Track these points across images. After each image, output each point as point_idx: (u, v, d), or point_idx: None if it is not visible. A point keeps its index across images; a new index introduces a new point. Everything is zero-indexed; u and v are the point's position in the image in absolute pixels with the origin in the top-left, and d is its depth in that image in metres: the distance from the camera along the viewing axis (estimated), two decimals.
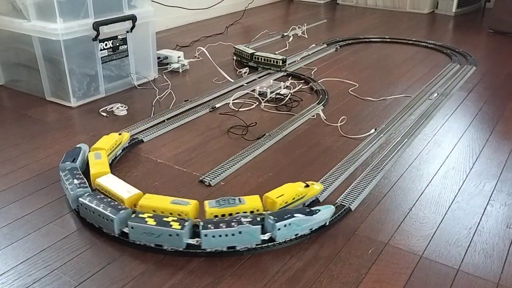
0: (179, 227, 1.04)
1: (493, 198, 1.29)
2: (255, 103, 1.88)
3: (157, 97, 1.92)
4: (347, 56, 2.53)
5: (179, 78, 2.15)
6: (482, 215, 1.22)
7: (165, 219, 1.07)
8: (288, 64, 2.32)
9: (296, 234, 1.10)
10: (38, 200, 1.25)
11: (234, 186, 1.33)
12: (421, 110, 1.84)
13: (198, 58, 2.43)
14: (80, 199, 1.15)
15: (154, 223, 1.06)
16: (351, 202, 1.24)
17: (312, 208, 1.13)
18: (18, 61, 1.91)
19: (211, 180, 1.34)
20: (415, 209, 1.24)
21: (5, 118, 1.73)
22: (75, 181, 1.22)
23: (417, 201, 1.28)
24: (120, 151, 1.47)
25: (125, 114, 1.77)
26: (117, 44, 1.92)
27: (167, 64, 2.26)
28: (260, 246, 1.07)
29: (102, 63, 1.88)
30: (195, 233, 1.07)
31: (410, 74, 2.26)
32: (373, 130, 1.66)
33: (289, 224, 1.07)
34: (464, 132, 1.67)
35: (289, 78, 2.16)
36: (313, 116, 1.78)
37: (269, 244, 1.08)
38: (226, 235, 1.04)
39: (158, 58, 2.24)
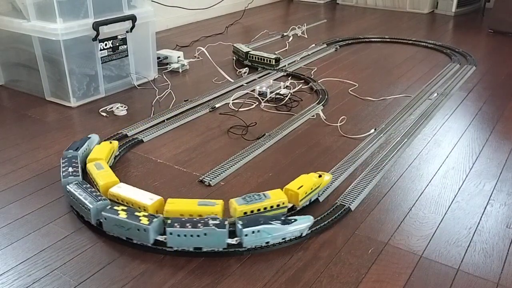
0: (147, 222, 1.04)
1: (493, 198, 1.29)
2: (255, 103, 1.88)
3: (157, 97, 1.92)
4: (347, 56, 2.53)
5: (179, 78, 2.15)
6: (482, 215, 1.22)
7: (136, 213, 1.07)
8: (288, 64, 2.33)
9: (267, 242, 1.07)
10: (38, 200, 1.25)
11: (234, 186, 1.34)
12: (421, 110, 1.84)
13: (198, 58, 2.43)
14: (67, 186, 1.17)
15: (125, 216, 1.06)
16: (351, 202, 1.24)
17: (289, 217, 1.10)
18: (18, 61, 1.91)
19: (211, 180, 1.34)
20: (415, 209, 1.24)
21: (5, 118, 1.73)
22: (69, 169, 1.24)
23: (417, 201, 1.28)
24: (113, 159, 1.44)
25: (125, 114, 1.77)
26: (117, 44, 1.92)
27: (167, 64, 2.26)
28: (260, 246, 1.07)
29: (102, 63, 1.88)
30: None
31: (410, 74, 2.26)
32: (373, 130, 1.66)
33: (258, 231, 1.05)
34: (464, 132, 1.67)
35: (289, 78, 2.16)
36: (313, 116, 1.78)
37: (264, 246, 1.08)
38: (192, 236, 1.04)
39: (158, 58, 2.24)
